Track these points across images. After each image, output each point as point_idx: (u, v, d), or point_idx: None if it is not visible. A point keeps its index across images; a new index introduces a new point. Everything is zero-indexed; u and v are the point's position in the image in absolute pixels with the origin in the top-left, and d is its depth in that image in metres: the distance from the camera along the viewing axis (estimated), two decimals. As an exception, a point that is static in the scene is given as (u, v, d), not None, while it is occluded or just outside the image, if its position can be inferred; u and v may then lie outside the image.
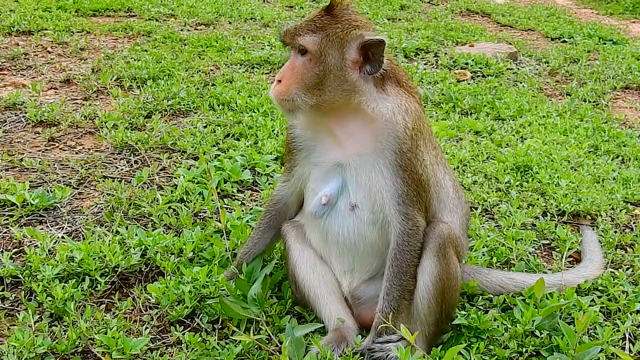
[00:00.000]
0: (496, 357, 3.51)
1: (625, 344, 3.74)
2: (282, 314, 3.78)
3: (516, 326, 3.66)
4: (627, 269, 4.45)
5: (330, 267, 3.74)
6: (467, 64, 9.04)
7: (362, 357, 3.43)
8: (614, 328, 3.77)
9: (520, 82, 8.53)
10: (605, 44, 10.94)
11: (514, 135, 6.60)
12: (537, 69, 9.36)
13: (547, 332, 3.68)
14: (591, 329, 3.79)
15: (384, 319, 3.39)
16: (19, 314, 3.66)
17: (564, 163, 5.92)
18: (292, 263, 3.77)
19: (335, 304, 3.71)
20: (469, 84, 8.19)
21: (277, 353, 3.43)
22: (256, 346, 3.49)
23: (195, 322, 3.71)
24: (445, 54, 9.47)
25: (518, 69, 9.23)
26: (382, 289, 3.48)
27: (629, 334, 3.80)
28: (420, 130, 3.43)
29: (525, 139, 6.48)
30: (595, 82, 8.70)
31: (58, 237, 4.34)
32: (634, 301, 4.04)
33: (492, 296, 4.02)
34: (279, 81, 3.34)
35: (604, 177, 5.77)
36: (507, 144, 6.32)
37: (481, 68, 8.89)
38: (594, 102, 7.98)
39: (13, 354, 3.34)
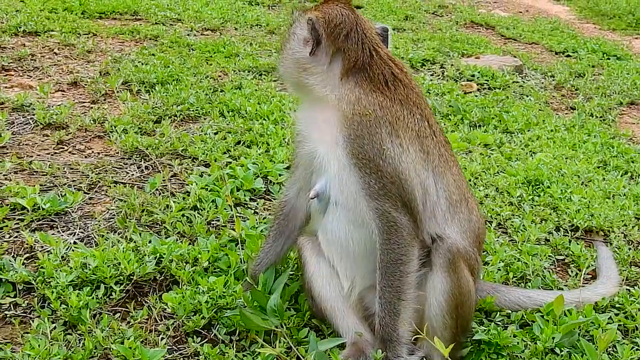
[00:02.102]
0: (517, 374, 3.47)
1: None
2: (300, 326, 3.70)
3: (536, 343, 3.61)
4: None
5: (337, 273, 3.65)
6: (473, 75, 9.01)
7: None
8: (633, 347, 3.71)
9: (527, 95, 8.50)
10: (609, 59, 10.93)
11: (523, 148, 6.57)
12: (542, 83, 9.34)
13: (567, 349, 3.63)
14: (610, 348, 3.72)
15: (381, 324, 3.35)
16: (32, 321, 3.60)
17: (574, 178, 5.89)
18: (308, 277, 3.71)
19: (352, 318, 3.64)
20: (476, 96, 8.15)
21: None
22: (276, 358, 3.43)
23: (212, 333, 3.65)
24: (452, 65, 9.45)
25: (524, 82, 9.21)
26: (376, 293, 3.39)
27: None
28: (381, 119, 3.27)
29: (534, 153, 6.43)
30: (601, 97, 8.68)
31: (70, 243, 4.26)
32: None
33: (509, 312, 3.97)
34: None
35: (614, 192, 5.74)
36: (517, 158, 6.28)
37: (487, 80, 8.86)
38: (600, 117, 7.96)
39: (26, 362, 3.29)
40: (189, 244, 4.27)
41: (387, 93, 3.36)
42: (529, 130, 7.11)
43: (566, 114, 8.11)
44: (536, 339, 3.67)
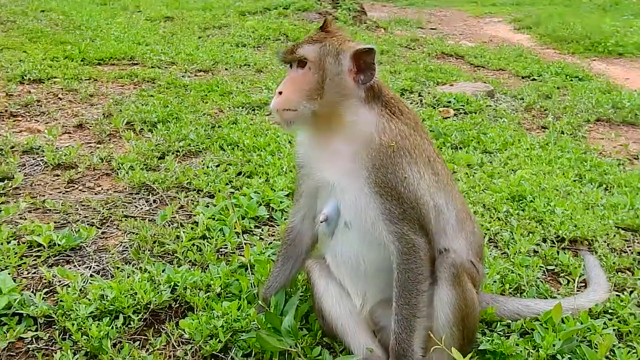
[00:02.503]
0: (522, 381, 3.35)
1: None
2: (313, 345, 3.56)
3: (538, 351, 3.51)
4: (631, 292, 4.31)
5: (346, 291, 3.52)
6: (449, 102, 8.97)
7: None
8: (629, 350, 3.61)
9: (501, 118, 8.47)
10: (572, 80, 10.95)
11: (503, 167, 6.50)
12: (513, 105, 9.32)
13: (568, 356, 3.53)
14: (607, 352, 3.62)
15: (397, 340, 3.22)
16: (54, 353, 3.43)
17: (554, 191, 5.83)
18: (317, 297, 3.58)
19: (362, 335, 3.52)
20: (454, 120, 8.11)
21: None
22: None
23: (229, 356, 3.49)
24: (429, 93, 9.41)
25: (496, 105, 9.18)
26: (392, 310, 3.26)
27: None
28: (400, 149, 3.19)
29: (514, 170, 6.37)
30: (569, 116, 8.68)
31: (87, 276, 4.11)
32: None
33: (509, 322, 3.86)
34: (280, 93, 3.18)
35: (593, 204, 5.67)
36: (499, 175, 6.21)
37: (463, 105, 8.83)
38: (571, 134, 7.93)
39: (54, 394, 3.15)
40: (201, 271, 4.13)
41: (404, 120, 3.29)
42: (506, 150, 7.06)
43: (538, 133, 8.07)
44: (537, 346, 3.56)
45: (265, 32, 12.96)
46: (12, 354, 3.53)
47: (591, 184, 6.21)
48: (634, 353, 3.61)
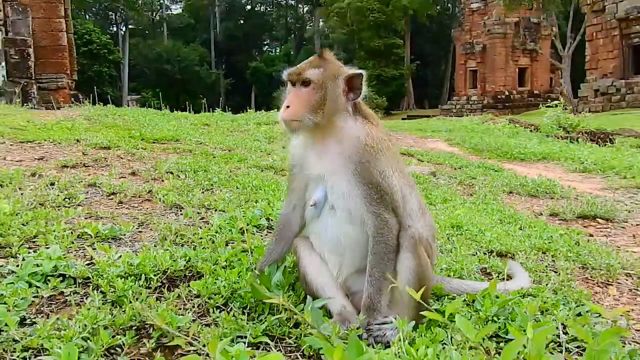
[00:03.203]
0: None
1: (559, 334, 3.10)
2: (298, 302, 3.09)
3: (479, 313, 3.05)
4: (546, 284, 3.86)
5: (326, 263, 3.14)
6: (404, 176, 8.66)
7: (362, 333, 2.79)
8: (552, 318, 3.15)
9: (441, 187, 8.14)
10: (490, 170, 10.72)
11: (444, 210, 6.11)
12: (449, 181, 9.02)
13: (504, 317, 3.06)
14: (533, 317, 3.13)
15: (369, 296, 2.91)
16: (86, 299, 2.94)
17: (483, 225, 5.41)
18: (302, 266, 3.17)
19: (338, 296, 3.08)
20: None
21: (297, 328, 2.74)
22: (277, 324, 2.80)
23: (229, 308, 3.00)
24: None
25: (437, 180, 8.88)
26: (367, 273, 2.95)
27: (561, 325, 3.15)
28: (379, 149, 2.99)
29: (453, 211, 5.97)
30: (490, 189, 8.37)
31: (121, 252, 3.63)
32: (559, 302, 3.43)
33: (454, 296, 3.39)
34: (288, 107, 2.94)
35: (513, 233, 5.27)
36: (442, 214, 5.81)
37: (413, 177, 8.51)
38: (492, 199, 7.58)
39: (78, 326, 2.62)
40: (211, 251, 3.66)
41: (380, 129, 3.11)
42: (446, 203, 6.69)
43: (468, 197, 7.73)
44: (478, 310, 3.10)
45: (273, 134, 12.79)
46: (52, 302, 3.04)
47: (510, 224, 5.81)
48: (553, 320, 3.14)
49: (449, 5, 79.19)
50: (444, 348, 2.62)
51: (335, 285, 3.09)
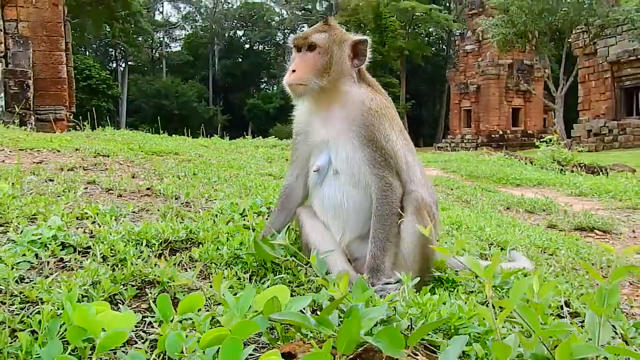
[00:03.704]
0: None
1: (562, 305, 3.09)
2: (300, 268, 3.05)
3: (482, 283, 3.01)
4: (548, 268, 3.85)
5: (329, 229, 3.14)
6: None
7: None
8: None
9: (438, 200, 8.16)
10: (486, 191, 10.77)
11: (443, 214, 6.11)
12: (447, 198, 9.07)
13: (507, 287, 3.04)
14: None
15: (373, 257, 2.88)
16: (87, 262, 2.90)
17: (482, 225, 5.42)
18: (305, 233, 3.16)
19: (341, 260, 3.07)
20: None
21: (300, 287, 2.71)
22: (280, 284, 2.77)
23: (232, 270, 2.97)
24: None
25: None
26: (370, 235, 2.94)
27: (563, 301, 3.13)
28: (383, 114, 3.03)
29: (453, 213, 5.98)
30: (487, 203, 8.45)
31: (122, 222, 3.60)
32: (562, 281, 3.43)
33: (457, 270, 3.36)
34: (293, 71, 2.97)
35: (512, 234, 5.27)
36: (441, 217, 5.78)
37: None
38: (490, 209, 7.60)
39: (79, 280, 2.60)
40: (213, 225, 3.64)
41: (384, 96, 3.14)
42: (444, 211, 6.67)
43: (466, 209, 7.74)
44: (482, 282, 3.06)
45: (271, 155, 12.89)
46: (52, 267, 2.99)
47: (509, 228, 5.81)
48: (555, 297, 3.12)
49: (444, 47, 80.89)
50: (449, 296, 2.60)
51: (338, 251, 3.06)
